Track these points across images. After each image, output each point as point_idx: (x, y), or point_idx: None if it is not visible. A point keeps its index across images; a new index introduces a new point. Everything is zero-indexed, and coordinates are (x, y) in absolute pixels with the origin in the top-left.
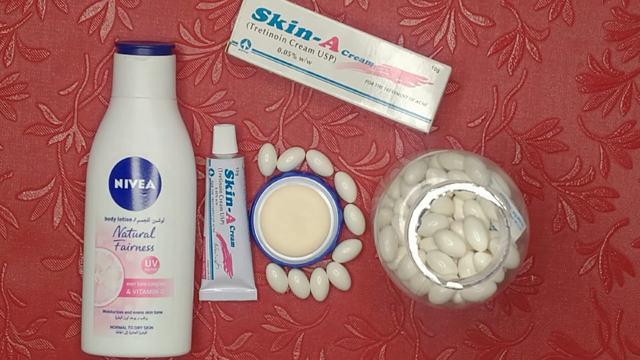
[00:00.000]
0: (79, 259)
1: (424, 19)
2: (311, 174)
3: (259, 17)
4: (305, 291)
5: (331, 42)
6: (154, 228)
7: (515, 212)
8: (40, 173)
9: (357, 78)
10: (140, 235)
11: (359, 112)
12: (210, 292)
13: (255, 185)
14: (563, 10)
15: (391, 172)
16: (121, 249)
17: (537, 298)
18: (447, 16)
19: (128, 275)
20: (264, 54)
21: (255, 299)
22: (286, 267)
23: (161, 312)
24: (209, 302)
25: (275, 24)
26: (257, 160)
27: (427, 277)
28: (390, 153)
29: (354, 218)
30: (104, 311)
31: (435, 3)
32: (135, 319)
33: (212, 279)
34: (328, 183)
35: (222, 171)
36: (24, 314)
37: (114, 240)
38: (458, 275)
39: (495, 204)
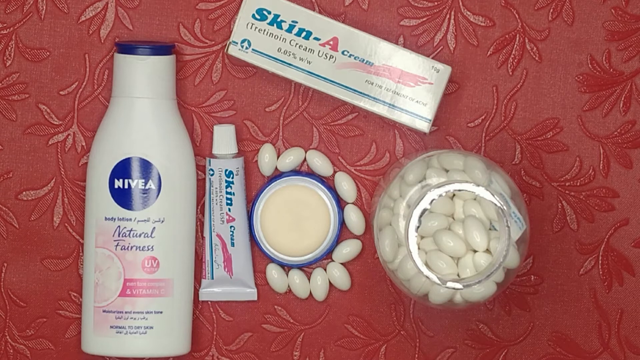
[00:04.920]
0: (79, 259)
1: (424, 19)
2: (311, 174)
3: (259, 17)
4: (305, 291)
5: (331, 42)
6: (154, 228)
7: (515, 212)
8: (40, 173)
9: (357, 78)
10: (140, 235)
11: (359, 112)
12: (210, 292)
13: (255, 185)
14: (563, 10)
15: (391, 172)
16: (121, 249)
17: (537, 298)
18: (447, 16)
19: (128, 275)
20: (264, 54)
21: (255, 299)
22: (286, 267)
23: (161, 312)
24: (209, 302)
25: (275, 24)
26: (257, 160)
27: (427, 277)
28: (390, 153)
29: (354, 218)
30: (104, 311)
31: (435, 3)
32: (135, 319)
33: (212, 279)
34: (328, 183)
35: (222, 171)
36: (24, 314)
37: (114, 240)
38: (458, 275)
39: (495, 204)
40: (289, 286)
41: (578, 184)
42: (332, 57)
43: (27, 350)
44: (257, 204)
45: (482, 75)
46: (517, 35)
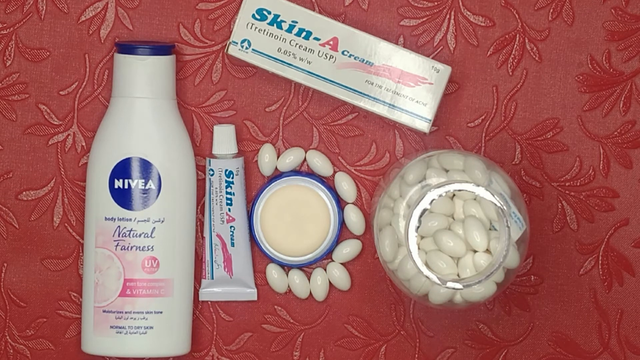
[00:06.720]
0: (79, 259)
1: (424, 19)
2: (311, 174)
3: (259, 17)
4: (305, 291)
5: (331, 42)
6: (154, 228)
7: (515, 212)
8: (40, 173)
9: (357, 78)
10: (140, 235)
11: (359, 112)
12: (210, 292)
13: (255, 185)
14: (563, 10)
15: (391, 172)
16: (121, 249)
17: (537, 298)
18: (447, 16)
19: (128, 275)
20: (264, 54)
21: (255, 299)
22: (286, 267)
23: (161, 312)
24: (209, 302)
25: (275, 24)
26: (257, 160)
27: (427, 277)
28: (390, 153)
29: (354, 218)
30: (104, 311)
31: (435, 3)
32: (135, 319)
33: (212, 279)
34: (328, 183)
35: (222, 171)
36: (24, 314)
37: (114, 240)
38: (458, 275)
39: (495, 204)
40: (289, 286)
41: (578, 184)
42: (332, 57)
43: (27, 350)
44: (257, 204)
45: (482, 75)
46: (517, 35)
